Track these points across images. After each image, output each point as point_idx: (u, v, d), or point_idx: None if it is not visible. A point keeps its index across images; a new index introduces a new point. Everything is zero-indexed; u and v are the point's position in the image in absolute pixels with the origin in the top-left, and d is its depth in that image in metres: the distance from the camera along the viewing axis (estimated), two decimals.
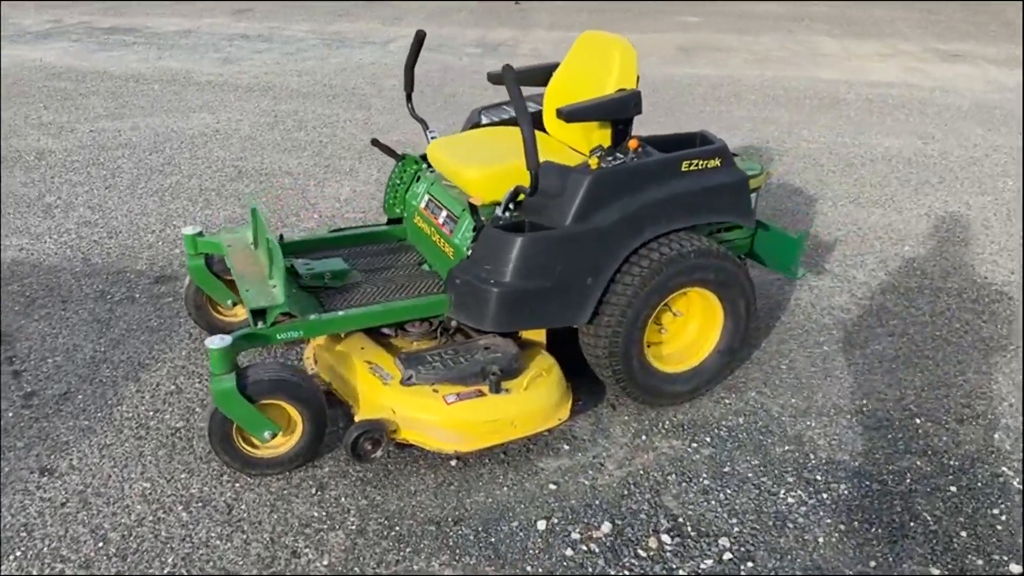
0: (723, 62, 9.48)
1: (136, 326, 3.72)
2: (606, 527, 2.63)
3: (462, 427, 2.81)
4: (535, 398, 2.91)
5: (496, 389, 2.86)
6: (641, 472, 2.87)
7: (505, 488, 2.80)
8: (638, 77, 3.19)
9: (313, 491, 2.76)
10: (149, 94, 7.64)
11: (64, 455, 2.91)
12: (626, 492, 2.78)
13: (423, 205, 3.42)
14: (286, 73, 8.51)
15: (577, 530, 2.62)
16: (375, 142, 3.57)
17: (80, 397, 3.23)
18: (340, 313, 2.92)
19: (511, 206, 2.93)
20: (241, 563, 2.47)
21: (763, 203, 5.14)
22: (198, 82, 8.12)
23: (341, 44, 10.04)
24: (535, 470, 2.88)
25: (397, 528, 2.62)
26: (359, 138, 6.41)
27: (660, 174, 3.00)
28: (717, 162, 3.08)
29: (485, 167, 3.02)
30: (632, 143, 3.02)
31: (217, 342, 2.64)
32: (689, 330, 3.29)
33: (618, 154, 3.03)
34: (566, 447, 3.00)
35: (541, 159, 2.80)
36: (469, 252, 2.95)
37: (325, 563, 2.48)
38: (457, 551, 2.54)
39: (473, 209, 2.97)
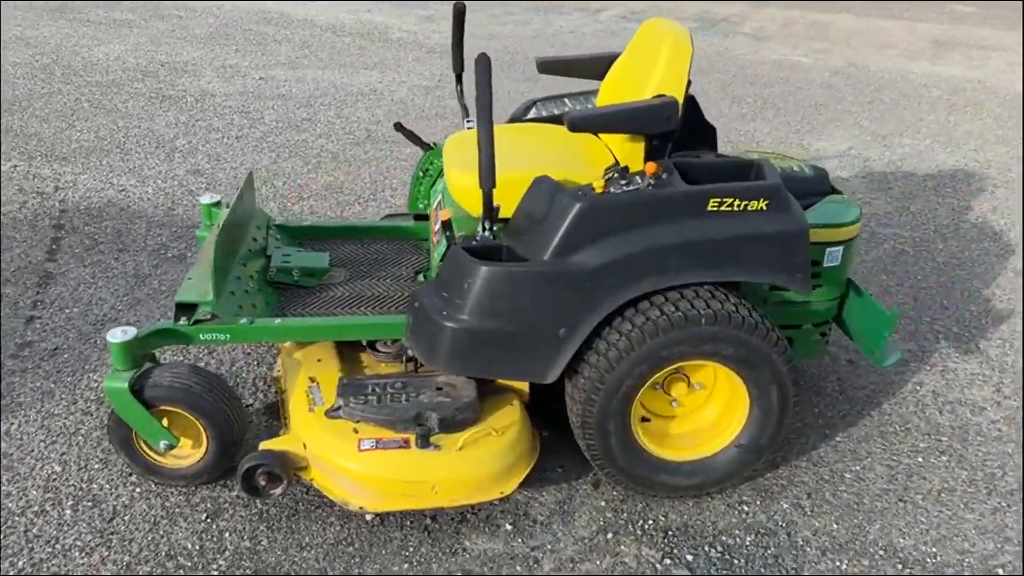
0: (980, 62, 7.91)
1: (167, 288, 3.61)
2: None
3: (371, 482, 2.34)
4: (469, 463, 2.37)
5: (423, 444, 2.37)
6: None
7: (407, 565, 2.32)
8: (690, 81, 2.51)
9: (204, 516, 2.45)
10: (336, 46, 7.69)
11: (11, 417, 2.83)
12: None
13: (434, 205, 2.96)
14: (477, 36, 8.24)
15: None
16: (398, 126, 3.15)
17: (65, 356, 3.15)
18: (276, 322, 2.55)
19: (492, 226, 2.40)
20: None
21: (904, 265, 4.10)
22: (388, 39, 8.07)
23: (548, 10, 9.60)
24: (455, 549, 2.37)
25: None
26: None
27: (676, 211, 2.30)
28: (763, 204, 2.32)
29: (475, 172, 2.49)
30: (650, 167, 2.35)
31: (119, 335, 2.38)
32: (708, 410, 2.58)
33: (637, 178, 2.39)
34: (508, 526, 2.45)
35: (571, 167, 2.43)
36: (438, 272, 2.47)
37: None
38: None
39: (447, 223, 2.47)
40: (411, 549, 2.36)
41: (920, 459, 2.74)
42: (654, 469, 2.50)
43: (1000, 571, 2.35)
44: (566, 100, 3.12)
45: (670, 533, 2.44)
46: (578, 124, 2.43)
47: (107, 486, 2.54)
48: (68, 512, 2.45)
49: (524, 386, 2.61)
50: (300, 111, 5.92)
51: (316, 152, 5.20)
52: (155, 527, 2.40)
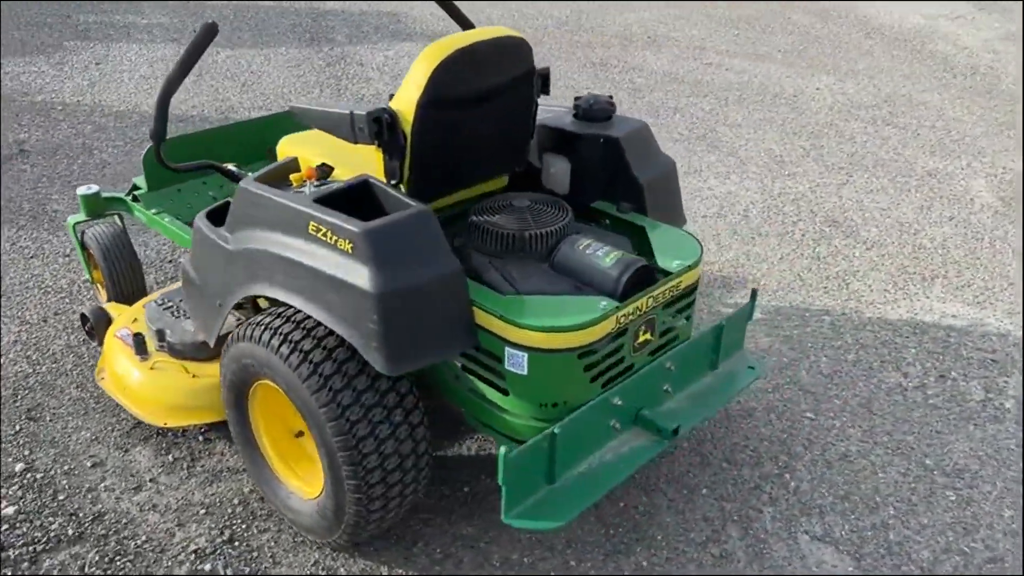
0: None
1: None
2: None
3: (106, 355, 2.83)
4: (152, 381, 2.65)
5: (137, 348, 2.70)
6: None
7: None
8: (424, 99, 2.21)
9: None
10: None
11: None
12: None
13: None
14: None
15: None
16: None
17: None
18: (173, 223, 2.99)
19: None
20: None
21: None
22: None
23: None
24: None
25: None
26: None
27: (287, 224, 2.14)
28: (347, 246, 1.99)
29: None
30: (307, 172, 2.28)
31: (84, 190, 3.20)
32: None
33: (315, 183, 2.27)
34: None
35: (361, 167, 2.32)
36: None
37: None
38: None
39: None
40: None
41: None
42: (268, 483, 2.47)
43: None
44: None
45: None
46: (296, 115, 2.43)
47: None
48: None
49: None
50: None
51: None
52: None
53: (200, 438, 2.76)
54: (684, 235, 2.45)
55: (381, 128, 2.20)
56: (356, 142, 2.25)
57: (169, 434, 2.76)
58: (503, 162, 2.59)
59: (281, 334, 2.15)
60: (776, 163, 4.95)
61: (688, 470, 2.71)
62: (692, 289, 2.36)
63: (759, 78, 6.40)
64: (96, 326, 2.94)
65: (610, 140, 2.56)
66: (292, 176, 2.34)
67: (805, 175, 4.81)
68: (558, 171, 2.69)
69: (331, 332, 2.13)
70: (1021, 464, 2.75)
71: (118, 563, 2.30)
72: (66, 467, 2.62)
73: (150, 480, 2.59)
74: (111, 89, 5.85)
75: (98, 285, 3.29)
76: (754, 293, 2.58)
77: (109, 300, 3.14)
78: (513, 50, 2.37)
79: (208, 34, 2.38)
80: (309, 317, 2.16)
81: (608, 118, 2.66)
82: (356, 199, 2.20)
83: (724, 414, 2.94)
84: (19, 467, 2.61)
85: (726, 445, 2.81)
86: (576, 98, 2.70)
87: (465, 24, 3.03)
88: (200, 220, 2.42)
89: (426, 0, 3.28)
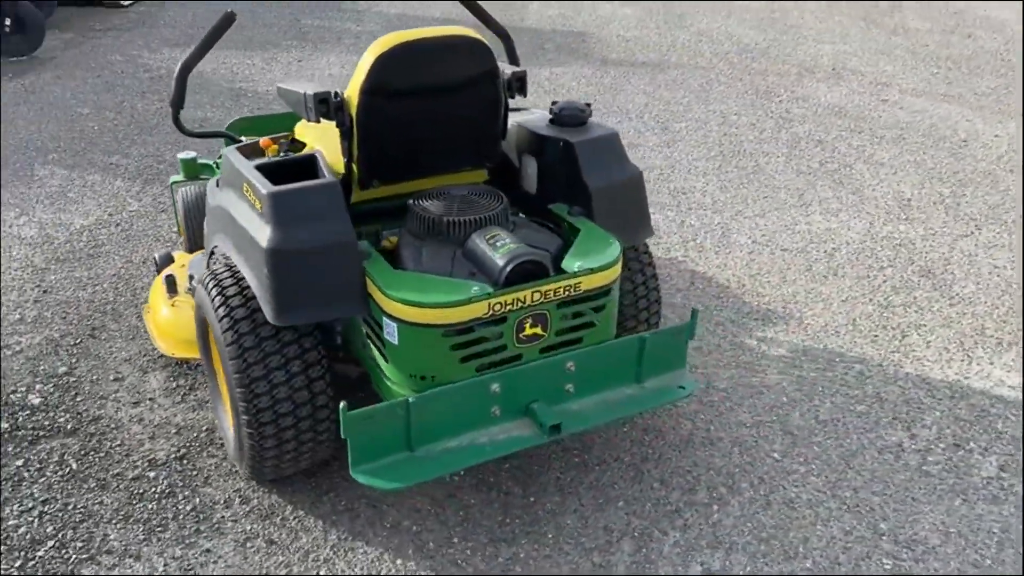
0: None
1: None
2: None
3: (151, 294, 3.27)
4: (173, 317, 3.02)
5: (168, 289, 3.09)
6: None
7: None
8: (366, 87, 2.42)
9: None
10: None
11: None
12: None
13: None
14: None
15: None
16: None
17: None
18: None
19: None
20: None
21: None
22: None
23: None
24: None
25: None
26: None
27: (234, 184, 2.53)
28: (259, 205, 2.33)
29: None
30: (264, 141, 2.73)
31: (184, 155, 3.52)
32: None
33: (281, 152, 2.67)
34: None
35: None
36: None
37: None
38: None
39: None
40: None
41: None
42: (216, 409, 2.85)
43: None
44: None
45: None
46: (280, 94, 2.71)
47: None
48: None
49: None
50: None
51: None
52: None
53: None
54: (611, 243, 2.46)
55: (329, 109, 2.45)
56: (310, 120, 2.51)
57: (184, 365, 3.18)
58: (468, 157, 2.73)
59: (216, 279, 2.46)
60: (900, 206, 4.57)
61: (615, 482, 2.68)
62: (599, 294, 2.37)
63: (933, 119, 5.89)
64: (161, 268, 3.44)
65: (568, 144, 2.62)
66: (269, 148, 2.66)
67: (925, 222, 4.40)
68: (529, 172, 2.78)
69: None
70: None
71: (90, 457, 2.73)
72: (95, 377, 3.12)
73: (149, 399, 3.01)
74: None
75: (183, 236, 3.82)
76: (694, 313, 2.53)
77: (188, 250, 3.65)
78: (465, 49, 2.51)
79: (226, 21, 2.75)
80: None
81: (581, 124, 2.72)
82: (305, 171, 2.46)
83: (682, 438, 2.86)
84: (62, 370, 3.15)
85: (668, 467, 2.74)
86: (553, 103, 2.78)
87: (493, 27, 3.18)
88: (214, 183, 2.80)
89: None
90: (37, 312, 3.51)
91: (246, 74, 6.77)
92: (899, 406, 3.04)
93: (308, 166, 2.46)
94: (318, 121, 2.48)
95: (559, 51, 7.54)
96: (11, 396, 3.00)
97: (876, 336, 3.45)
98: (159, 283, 3.20)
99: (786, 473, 2.74)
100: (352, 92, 2.46)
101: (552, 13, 8.80)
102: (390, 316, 2.22)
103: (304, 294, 2.25)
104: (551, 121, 2.76)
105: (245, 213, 2.37)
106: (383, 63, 2.41)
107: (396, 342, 2.24)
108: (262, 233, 2.25)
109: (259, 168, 2.42)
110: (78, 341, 3.32)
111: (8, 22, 6.72)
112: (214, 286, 2.44)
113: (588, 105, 2.76)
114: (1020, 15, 8.61)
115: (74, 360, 3.21)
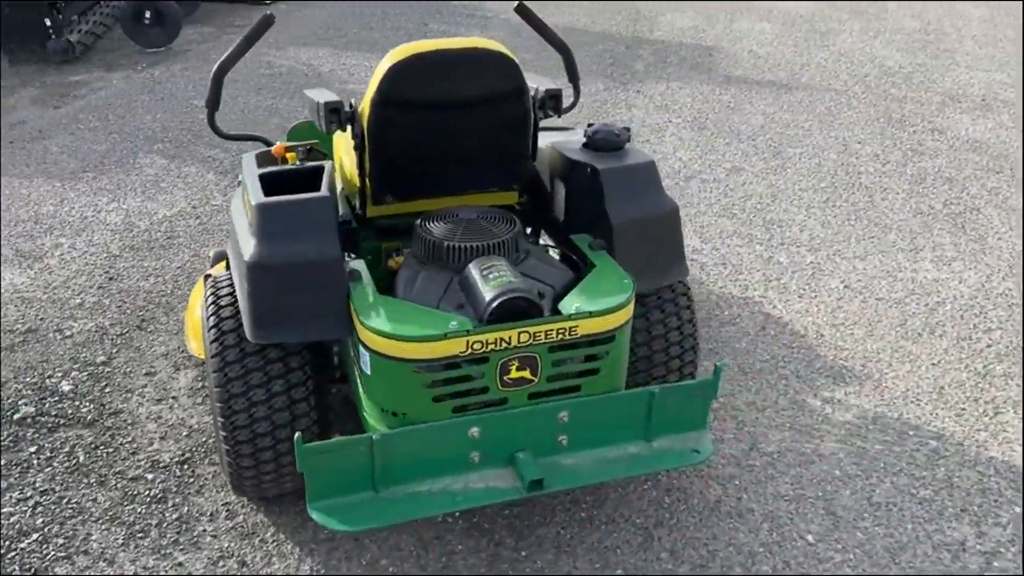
0: None
1: None
2: None
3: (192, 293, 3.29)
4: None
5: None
6: None
7: None
8: (378, 98, 2.33)
9: None
10: None
11: None
12: None
13: None
14: None
15: None
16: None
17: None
18: None
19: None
20: None
21: None
22: None
23: None
24: None
25: None
26: None
27: (241, 192, 2.48)
28: (251, 216, 2.24)
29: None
30: (278, 148, 2.59)
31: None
32: None
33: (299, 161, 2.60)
34: None
35: None
36: None
37: None
38: None
39: None
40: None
41: None
42: None
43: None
44: None
45: None
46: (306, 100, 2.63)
47: None
48: None
49: None
50: None
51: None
52: None
53: None
54: (623, 283, 2.21)
55: (339, 119, 2.34)
56: (320, 130, 2.41)
57: None
58: (494, 177, 2.55)
59: (216, 289, 2.40)
60: None
61: (619, 546, 2.42)
62: (602, 340, 2.14)
63: None
64: (213, 266, 3.45)
65: (595, 171, 2.40)
66: (289, 156, 2.58)
67: None
68: (559, 197, 2.58)
69: None
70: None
71: (99, 452, 2.74)
72: (128, 369, 3.15)
73: (172, 397, 3.01)
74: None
75: None
76: (717, 369, 2.25)
77: None
78: (487, 63, 2.34)
79: (264, 24, 2.69)
80: None
81: (616, 149, 2.49)
82: (308, 183, 2.35)
83: (707, 505, 2.56)
84: (101, 359, 3.20)
85: (683, 536, 2.46)
86: (588, 124, 2.56)
87: (553, 40, 2.97)
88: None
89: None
90: (97, 299, 3.61)
91: (362, 76, 6.84)
92: (972, 496, 2.62)
93: (312, 178, 2.36)
94: (329, 131, 2.38)
95: (681, 65, 7.21)
96: (47, 381, 3.07)
97: (963, 409, 3.01)
98: (200, 282, 3.20)
99: (818, 560, 2.40)
100: (365, 103, 2.34)
101: (684, 25, 8.46)
102: (364, 345, 2.08)
103: (284, 312, 2.14)
104: (584, 145, 2.54)
105: (241, 222, 2.29)
106: (395, 73, 2.28)
107: (369, 373, 2.10)
108: (248, 244, 2.16)
109: (261, 177, 2.34)
110: (125, 331, 3.38)
111: (148, 15, 7.12)
112: (211, 295, 2.38)
113: (627, 129, 2.52)
114: None
115: (115, 350, 3.26)
